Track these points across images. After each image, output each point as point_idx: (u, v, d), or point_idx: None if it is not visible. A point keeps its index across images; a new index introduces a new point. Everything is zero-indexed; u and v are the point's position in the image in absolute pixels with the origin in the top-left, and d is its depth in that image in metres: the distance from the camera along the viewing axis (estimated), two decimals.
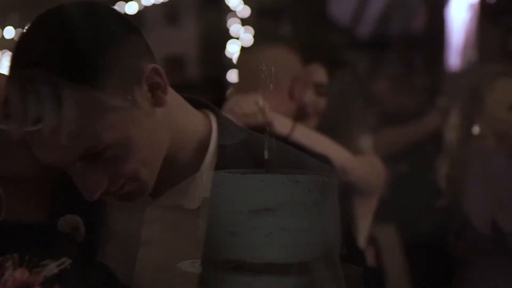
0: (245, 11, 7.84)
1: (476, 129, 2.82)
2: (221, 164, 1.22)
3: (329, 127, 2.37)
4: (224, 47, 8.00)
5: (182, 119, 1.26)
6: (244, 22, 8.31)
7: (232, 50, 7.78)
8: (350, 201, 2.19)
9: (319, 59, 2.39)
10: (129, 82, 1.15)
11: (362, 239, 2.41)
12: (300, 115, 2.18)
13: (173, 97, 1.26)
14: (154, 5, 8.83)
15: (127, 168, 1.16)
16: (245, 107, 2.05)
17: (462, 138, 2.90)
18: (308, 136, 2.11)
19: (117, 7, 7.51)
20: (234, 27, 8.25)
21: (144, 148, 1.16)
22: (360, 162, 2.28)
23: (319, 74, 2.35)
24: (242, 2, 7.80)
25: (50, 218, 1.32)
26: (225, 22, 8.42)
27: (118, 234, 1.30)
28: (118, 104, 1.12)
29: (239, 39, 7.81)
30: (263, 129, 2.16)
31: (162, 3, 9.34)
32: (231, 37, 8.12)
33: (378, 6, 10.84)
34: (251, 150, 1.26)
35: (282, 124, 2.09)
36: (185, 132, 1.26)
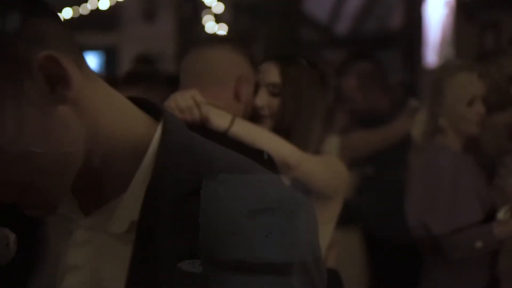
0: (219, 7, 7.79)
1: (442, 124, 2.77)
2: (157, 182, 1.00)
3: (287, 128, 2.28)
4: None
5: (113, 124, 1.04)
6: (219, 18, 8.28)
7: None
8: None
9: (272, 58, 2.32)
10: (14, 72, 0.96)
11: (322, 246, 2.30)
12: (250, 116, 2.09)
13: (100, 95, 1.05)
14: (129, 1, 8.75)
15: (17, 176, 0.99)
16: (180, 102, 1.95)
17: (428, 133, 2.84)
18: (248, 130, 2.00)
19: (89, 4, 7.43)
20: (210, 23, 8.23)
21: (38, 153, 0.98)
22: (311, 159, 2.17)
23: (272, 73, 2.26)
24: None
25: None
26: (201, 18, 8.40)
27: (50, 256, 1.12)
28: None
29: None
30: (200, 124, 2.11)
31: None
32: (207, 34, 8.11)
33: (356, 3, 10.83)
34: (200, 163, 1.01)
35: (220, 118, 1.98)
36: (114, 140, 1.04)
